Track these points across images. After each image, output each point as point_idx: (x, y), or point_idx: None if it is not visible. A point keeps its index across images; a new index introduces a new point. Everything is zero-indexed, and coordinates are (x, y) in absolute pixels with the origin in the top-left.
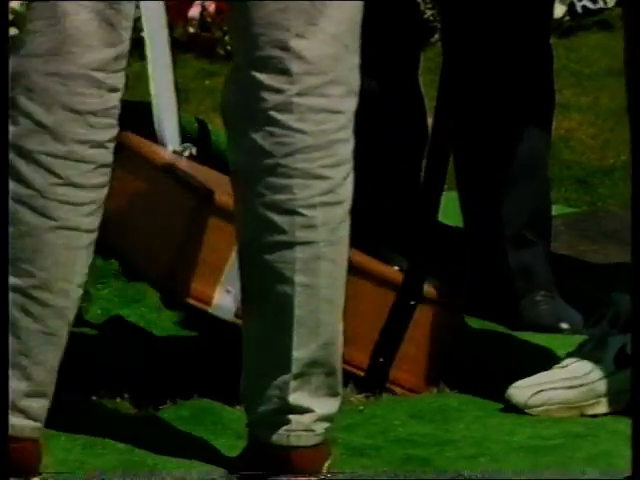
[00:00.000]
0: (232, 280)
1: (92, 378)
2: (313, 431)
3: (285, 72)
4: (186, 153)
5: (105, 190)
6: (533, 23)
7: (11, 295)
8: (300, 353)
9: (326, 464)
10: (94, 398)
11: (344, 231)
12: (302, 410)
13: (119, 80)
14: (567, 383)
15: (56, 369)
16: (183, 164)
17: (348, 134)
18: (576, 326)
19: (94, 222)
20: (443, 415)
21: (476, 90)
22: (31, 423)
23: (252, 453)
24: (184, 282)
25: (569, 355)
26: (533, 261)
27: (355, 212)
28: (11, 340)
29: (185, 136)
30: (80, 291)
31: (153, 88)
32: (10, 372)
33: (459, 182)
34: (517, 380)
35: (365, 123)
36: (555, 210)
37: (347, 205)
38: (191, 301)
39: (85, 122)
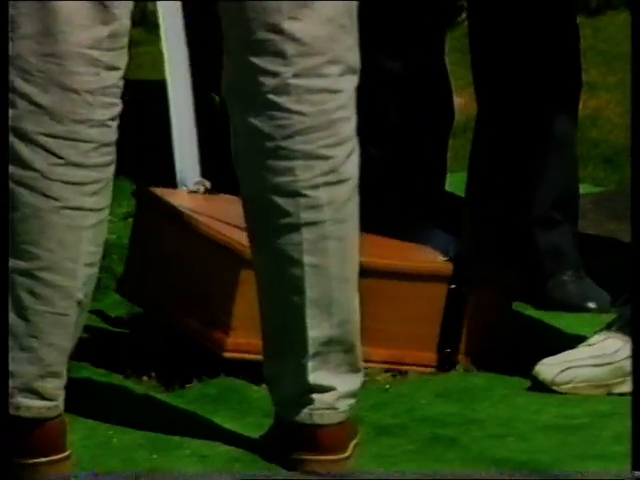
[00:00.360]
0: None
1: (119, 358)
2: (336, 409)
3: (280, 55)
4: (201, 190)
5: (111, 169)
6: (559, 2)
7: (17, 278)
8: (315, 333)
9: (352, 442)
10: (121, 377)
11: (352, 208)
12: (323, 389)
13: (117, 58)
14: (595, 361)
15: (68, 349)
16: (203, 215)
17: (349, 112)
18: (603, 306)
19: (100, 201)
20: (469, 394)
21: (503, 70)
22: (47, 403)
23: (278, 432)
24: (221, 338)
25: (597, 333)
26: (561, 241)
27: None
28: (20, 323)
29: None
30: (90, 270)
31: (175, 127)
32: (20, 355)
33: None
34: (544, 358)
35: (390, 104)
36: (582, 189)
37: (353, 183)
38: (230, 355)
39: (83, 101)
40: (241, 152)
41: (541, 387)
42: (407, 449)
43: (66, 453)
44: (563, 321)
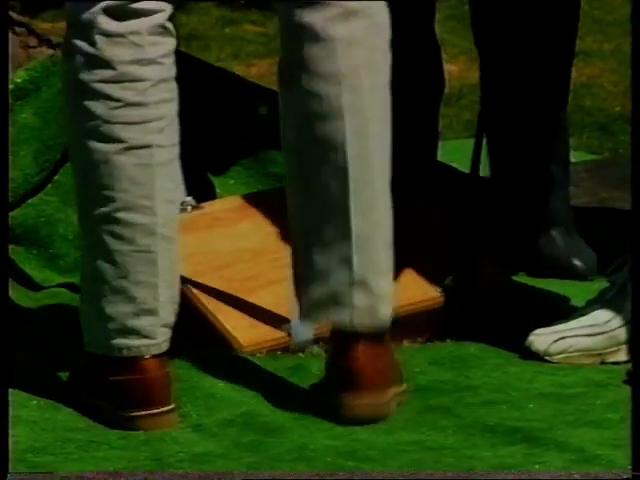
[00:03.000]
0: None
1: None
2: (377, 311)
3: None
4: (189, 210)
5: (173, 105)
6: None
7: (98, 224)
8: (358, 226)
9: (393, 389)
10: None
11: (387, 86)
12: (366, 287)
13: (157, 4)
14: (588, 331)
15: (159, 287)
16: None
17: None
18: (589, 265)
19: (169, 137)
20: (463, 362)
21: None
22: (145, 341)
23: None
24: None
25: (590, 303)
26: (552, 198)
27: None
28: (107, 267)
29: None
30: (170, 206)
31: None
32: (113, 298)
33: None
34: (537, 328)
35: None
36: (576, 157)
37: (389, 72)
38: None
39: (130, 43)
40: (286, 45)
41: (534, 356)
42: (400, 417)
43: (171, 406)
44: (555, 288)
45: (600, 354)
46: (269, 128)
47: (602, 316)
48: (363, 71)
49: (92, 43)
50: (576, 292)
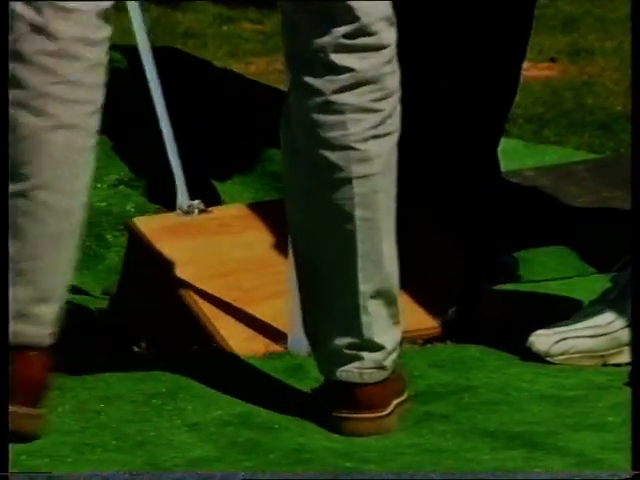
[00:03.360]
0: None
1: (108, 328)
2: (384, 367)
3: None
4: (196, 212)
5: (103, 92)
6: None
7: (12, 201)
8: (367, 287)
9: (395, 400)
10: (110, 347)
11: (394, 161)
12: (374, 347)
13: None
14: (590, 332)
15: (66, 273)
16: (191, 270)
17: (394, 67)
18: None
19: (95, 123)
20: (464, 364)
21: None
22: (35, 329)
23: (321, 388)
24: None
25: (592, 303)
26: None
27: None
28: (14, 245)
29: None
30: (85, 193)
31: (169, 150)
32: (16, 279)
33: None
34: (539, 329)
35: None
36: (578, 156)
37: (397, 135)
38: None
39: (77, 19)
40: (294, 109)
41: (535, 358)
42: (399, 423)
43: (39, 411)
44: (557, 288)
45: (602, 356)
46: (267, 126)
47: (604, 317)
48: (372, 141)
49: (39, 12)
50: (579, 292)
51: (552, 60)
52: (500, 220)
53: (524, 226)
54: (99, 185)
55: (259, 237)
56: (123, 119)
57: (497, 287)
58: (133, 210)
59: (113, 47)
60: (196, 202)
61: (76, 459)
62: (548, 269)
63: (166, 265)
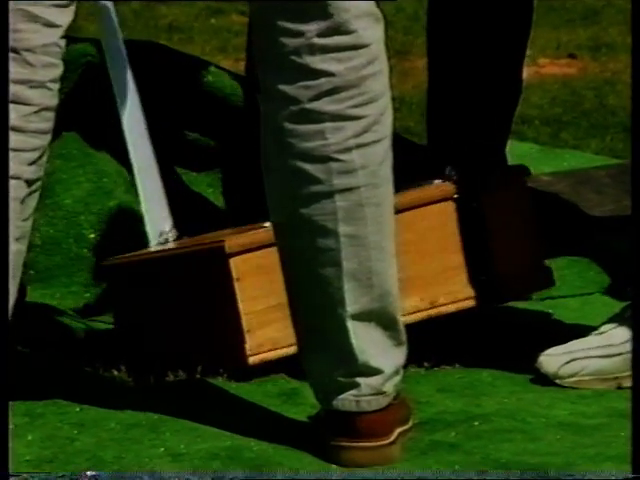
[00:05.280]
0: None
1: (86, 347)
2: (384, 392)
3: (302, 14)
4: (170, 241)
5: (49, 137)
6: None
7: None
8: (354, 308)
9: (399, 429)
10: (88, 370)
11: (386, 171)
12: (371, 371)
13: (58, 14)
14: (602, 351)
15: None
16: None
17: (378, 67)
18: None
19: (37, 172)
20: (474, 390)
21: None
22: None
23: (319, 416)
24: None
25: (608, 321)
26: None
27: None
28: None
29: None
30: (18, 246)
31: (141, 191)
32: None
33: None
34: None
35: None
36: (599, 161)
37: (387, 142)
38: (256, 359)
39: (23, 60)
40: (265, 117)
41: (549, 381)
42: (404, 453)
43: None
44: (574, 306)
45: (616, 377)
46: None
47: (619, 336)
48: (356, 151)
49: None
50: (599, 309)
51: (571, 56)
52: None
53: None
54: (75, 185)
55: None
56: (97, 113)
57: (509, 305)
58: (115, 207)
59: (88, 40)
60: (169, 230)
61: None
62: (566, 284)
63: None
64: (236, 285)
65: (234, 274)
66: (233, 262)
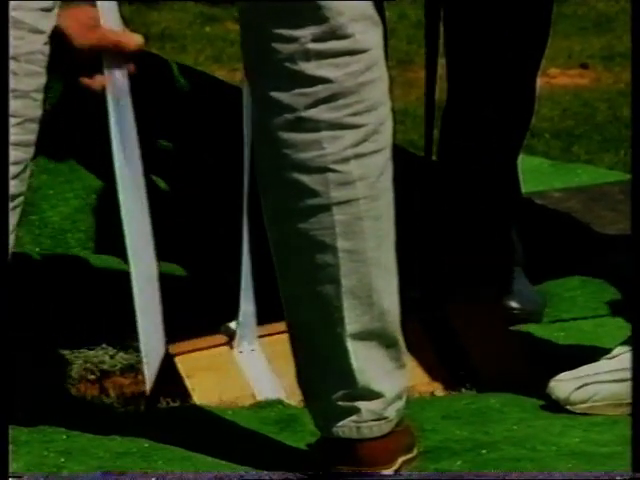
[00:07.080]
0: None
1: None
2: (386, 418)
3: (296, 17)
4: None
5: (32, 150)
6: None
7: None
8: (354, 327)
9: (402, 457)
10: (75, 396)
11: (386, 182)
12: (372, 395)
13: (42, 19)
14: (614, 376)
15: None
16: None
17: (377, 73)
18: (528, 308)
19: (19, 186)
20: (482, 416)
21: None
22: None
23: (318, 443)
24: None
25: (622, 344)
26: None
27: None
28: None
29: None
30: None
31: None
32: None
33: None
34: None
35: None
36: (613, 176)
37: (387, 153)
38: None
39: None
40: (258, 126)
41: (560, 407)
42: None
43: None
44: (586, 329)
45: (629, 404)
46: None
47: (631, 360)
48: (354, 161)
49: None
50: (613, 332)
51: (583, 66)
52: (521, 248)
53: (550, 255)
54: (62, 201)
55: None
56: (84, 126)
57: (519, 327)
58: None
59: None
60: None
61: None
62: (578, 306)
63: None
64: None
65: None
66: None
